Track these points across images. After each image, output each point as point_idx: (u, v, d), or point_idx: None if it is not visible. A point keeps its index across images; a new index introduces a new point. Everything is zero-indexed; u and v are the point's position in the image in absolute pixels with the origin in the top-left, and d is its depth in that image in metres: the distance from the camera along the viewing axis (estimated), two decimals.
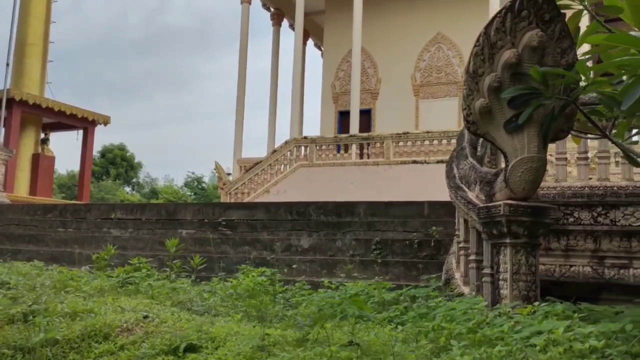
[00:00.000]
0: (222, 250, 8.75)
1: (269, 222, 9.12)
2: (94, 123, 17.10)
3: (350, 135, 19.30)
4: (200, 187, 52.16)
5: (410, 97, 23.97)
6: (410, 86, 23.96)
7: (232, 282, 6.68)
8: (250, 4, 24.84)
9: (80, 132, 17.19)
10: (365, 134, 19.14)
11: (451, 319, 3.94)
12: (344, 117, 25.22)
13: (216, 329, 4.39)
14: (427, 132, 18.18)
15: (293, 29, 28.56)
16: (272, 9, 26.44)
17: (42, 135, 17.03)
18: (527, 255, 4.57)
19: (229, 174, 24.59)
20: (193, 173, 52.38)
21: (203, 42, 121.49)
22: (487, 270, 4.82)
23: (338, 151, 20.06)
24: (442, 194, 15.97)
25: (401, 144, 18.46)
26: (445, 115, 23.11)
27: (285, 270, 7.43)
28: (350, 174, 18.95)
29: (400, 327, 4.39)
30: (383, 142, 18.64)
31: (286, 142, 19.98)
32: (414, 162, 18.08)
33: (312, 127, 24.30)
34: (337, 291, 5.38)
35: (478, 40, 4.37)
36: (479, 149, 6.45)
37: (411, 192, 17.31)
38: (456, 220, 6.19)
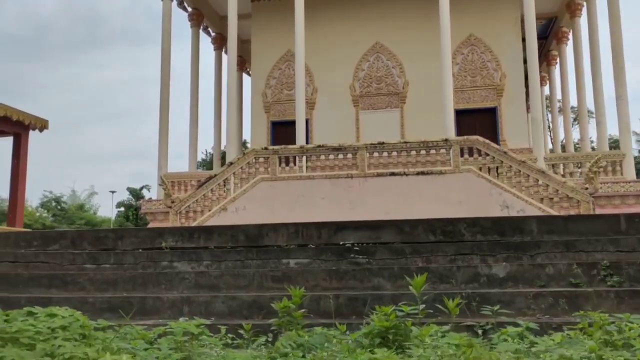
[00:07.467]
0: (374, 286, 6.84)
1: (418, 245, 7.40)
2: (28, 128, 13.54)
3: (319, 146, 17.73)
4: (59, 207, 46.29)
5: (349, 107, 23.02)
6: (349, 96, 23.02)
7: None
8: (172, 0, 22.20)
9: (10, 139, 13.45)
10: (335, 145, 17.64)
11: None
12: (277, 127, 23.51)
13: None
14: (405, 142, 17.26)
15: (208, 33, 26.24)
16: (189, 9, 23.92)
17: None
18: None
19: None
20: (50, 192, 46.30)
21: (38, 51, 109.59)
22: None
23: (286, 163, 18.25)
24: (426, 207, 15.19)
25: (376, 154, 17.31)
26: (387, 127, 22.46)
27: (510, 309, 5.82)
28: (320, 188, 17.42)
29: None
30: (356, 153, 17.34)
31: (244, 154, 17.85)
32: (392, 174, 17.07)
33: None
34: None
35: None
36: None
37: (390, 206, 16.31)
38: None
